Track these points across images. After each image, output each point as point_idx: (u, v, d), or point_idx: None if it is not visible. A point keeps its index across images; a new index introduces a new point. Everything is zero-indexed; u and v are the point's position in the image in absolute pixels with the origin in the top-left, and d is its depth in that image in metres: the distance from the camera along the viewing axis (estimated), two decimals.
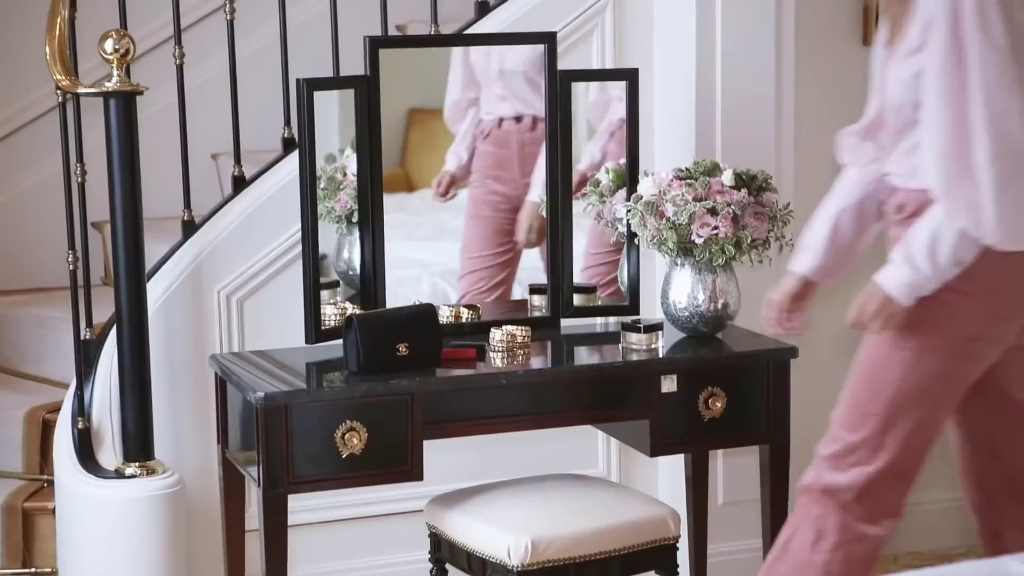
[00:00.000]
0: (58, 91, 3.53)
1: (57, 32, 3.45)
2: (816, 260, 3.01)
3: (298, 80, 3.33)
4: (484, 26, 3.84)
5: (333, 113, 3.41)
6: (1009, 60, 2.60)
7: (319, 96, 3.33)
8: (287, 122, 3.75)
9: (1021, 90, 2.61)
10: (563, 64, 3.58)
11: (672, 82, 3.81)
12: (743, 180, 3.40)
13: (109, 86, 3.37)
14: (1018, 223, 2.62)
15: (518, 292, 3.61)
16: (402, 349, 3.19)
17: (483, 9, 3.88)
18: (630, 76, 3.55)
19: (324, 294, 3.41)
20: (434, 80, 3.56)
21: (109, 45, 3.38)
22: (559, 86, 3.50)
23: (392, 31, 4.04)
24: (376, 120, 3.39)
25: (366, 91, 3.39)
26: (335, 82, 3.47)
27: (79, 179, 3.54)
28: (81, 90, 3.44)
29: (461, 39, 3.73)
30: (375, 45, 3.41)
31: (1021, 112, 2.61)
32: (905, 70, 2.72)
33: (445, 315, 3.49)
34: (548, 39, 3.51)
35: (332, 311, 3.42)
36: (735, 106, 3.73)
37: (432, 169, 3.58)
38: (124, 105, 3.38)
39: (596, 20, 3.84)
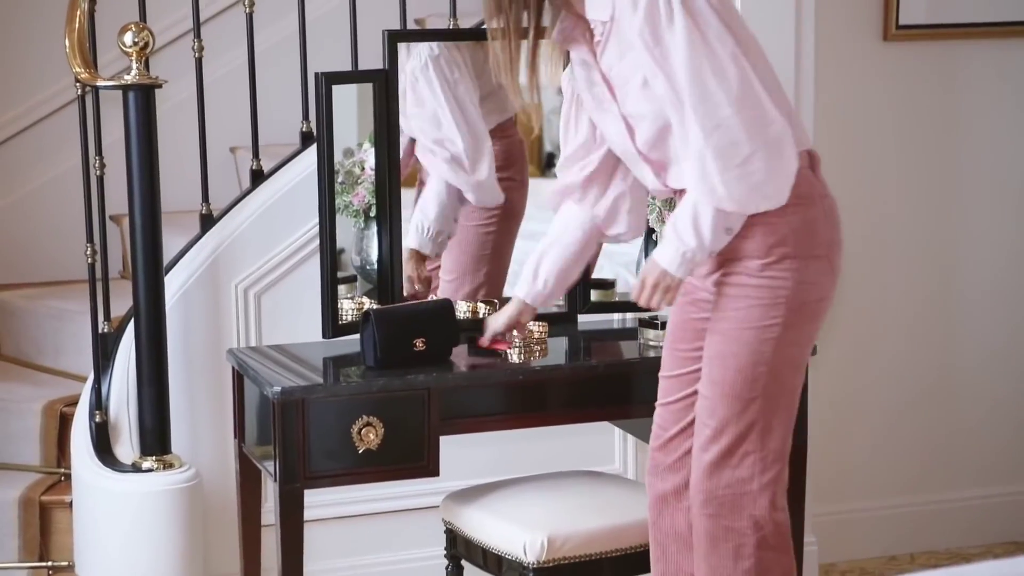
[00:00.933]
0: (77, 84, 3.53)
1: (76, 25, 3.45)
2: (541, 289, 3.14)
3: (316, 74, 3.32)
4: None
5: (351, 107, 3.40)
6: (704, 45, 2.70)
7: (337, 90, 3.33)
8: (305, 116, 3.74)
9: (723, 74, 2.69)
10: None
11: None
12: None
13: (128, 79, 3.37)
14: (749, 194, 2.71)
15: None
16: (419, 344, 3.19)
17: None
18: None
19: (341, 288, 3.41)
20: None
21: (128, 38, 3.38)
22: None
23: (411, 25, 4.04)
24: (394, 114, 3.39)
25: (384, 85, 3.38)
26: (353, 76, 3.46)
27: (97, 172, 3.55)
28: (100, 83, 3.44)
29: (479, 33, 3.71)
30: (394, 39, 3.40)
31: (727, 91, 2.69)
32: (641, 102, 2.82)
33: (462, 310, 3.48)
34: None
35: (349, 306, 3.41)
36: None
37: None
38: (143, 98, 3.38)
39: None
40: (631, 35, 2.75)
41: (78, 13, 3.46)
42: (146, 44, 3.39)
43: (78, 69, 3.45)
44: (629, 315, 3.62)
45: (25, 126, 4.44)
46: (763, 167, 2.69)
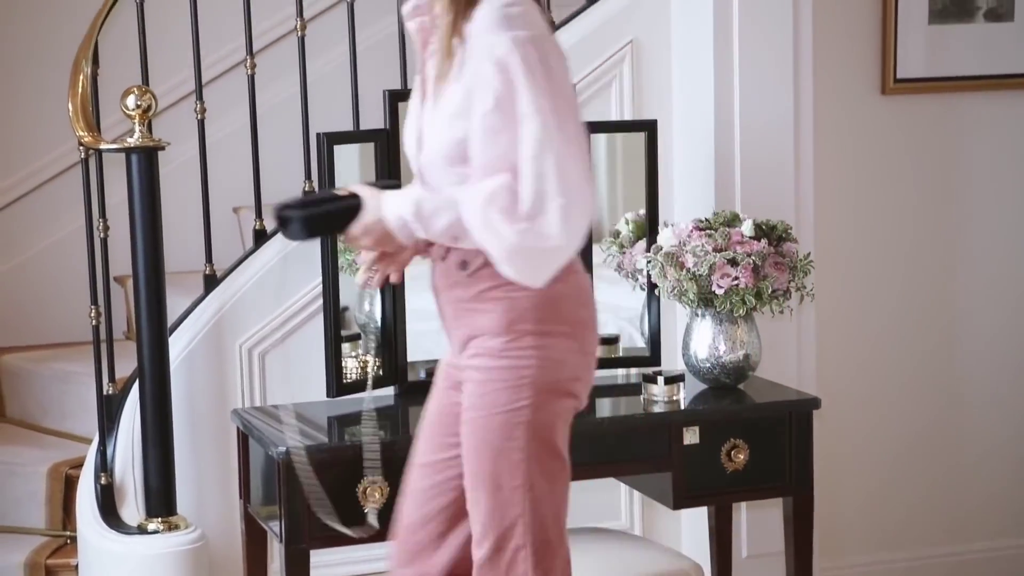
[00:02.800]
0: (81, 147, 3.55)
1: (80, 89, 3.48)
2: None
3: (318, 135, 3.35)
4: None
5: (353, 165, 3.42)
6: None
7: (339, 149, 3.35)
8: (308, 176, 3.76)
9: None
10: (584, 116, 3.58)
11: (691, 133, 3.82)
12: (763, 230, 3.40)
13: (131, 142, 3.39)
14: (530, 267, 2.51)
15: None
16: None
17: None
18: (649, 127, 3.56)
19: (345, 347, 3.42)
20: None
21: (131, 101, 3.40)
22: None
23: (411, 83, 4.05)
24: (396, 173, 3.41)
25: (386, 144, 3.40)
26: (355, 136, 3.49)
27: (101, 235, 3.56)
28: (103, 146, 3.46)
29: None
30: (395, 98, 3.43)
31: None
32: (448, 132, 2.56)
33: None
34: None
35: (353, 364, 3.42)
36: (754, 156, 3.74)
37: None
38: (146, 160, 3.40)
39: (614, 72, 3.86)
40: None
41: (81, 77, 3.48)
42: (149, 107, 3.41)
43: (81, 133, 3.47)
44: (633, 370, 3.62)
45: (29, 189, 4.47)
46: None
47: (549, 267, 2.51)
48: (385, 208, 2.58)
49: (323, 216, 2.62)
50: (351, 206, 2.60)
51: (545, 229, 2.44)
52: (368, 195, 2.60)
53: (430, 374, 3.44)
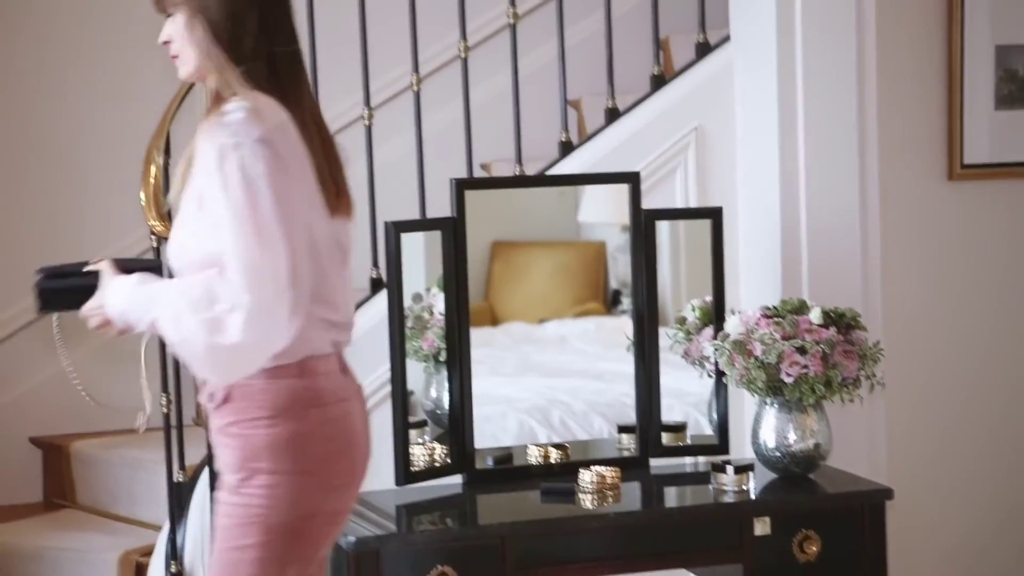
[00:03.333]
0: (152, 236, 3.60)
1: (152, 179, 3.53)
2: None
3: (386, 223, 3.37)
4: (567, 166, 3.89)
5: (419, 252, 3.43)
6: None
7: (406, 236, 3.37)
8: (375, 263, 3.79)
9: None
10: (647, 202, 3.61)
11: (756, 219, 3.83)
12: (831, 318, 3.38)
13: None
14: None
15: (606, 430, 3.60)
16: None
17: (566, 148, 3.93)
18: (715, 214, 3.57)
19: (412, 433, 3.42)
20: (517, 212, 3.60)
21: None
22: (643, 225, 3.52)
23: (477, 170, 4.10)
24: (463, 261, 3.42)
25: (453, 232, 3.42)
26: (422, 224, 3.51)
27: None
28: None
29: (545, 180, 3.77)
30: (461, 187, 3.45)
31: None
32: (176, 238, 2.58)
33: (534, 455, 3.49)
34: (632, 179, 3.54)
35: (421, 452, 3.42)
36: (821, 243, 3.73)
37: (516, 302, 3.60)
38: None
39: (679, 159, 3.88)
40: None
41: (153, 168, 3.54)
42: None
43: (154, 222, 3.53)
44: (702, 459, 3.60)
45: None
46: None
47: (231, 366, 2.45)
48: (108, 295, 2.58)
49: (60, 291, 2.62)
50: (89, 285, 2.60)
51: (225, 326, 2.40)
52: (105, 278, 2.61)
53: (497, 461, 3.47)
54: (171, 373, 3.60)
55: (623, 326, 3.58)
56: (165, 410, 3.60)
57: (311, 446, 2.54)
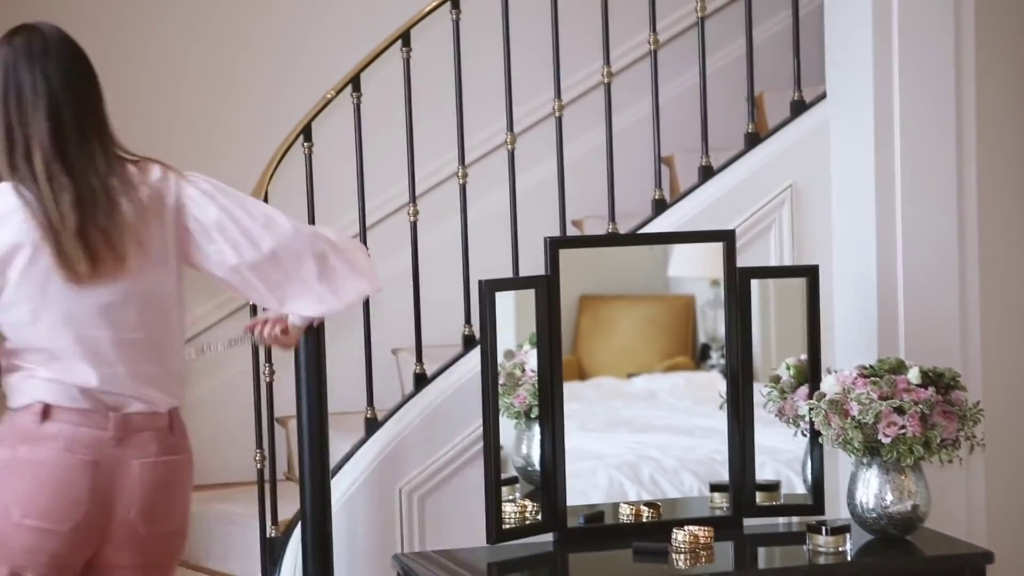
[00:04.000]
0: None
1: None
2: None
3: (480, 282, 3.38)
4: (661, 223, 3.88)
5: (509, 309, 3.44)
6: None
7: (499, 294, 3.38)
8: (467, 320, 3.80)
9: None
10: (740, 260, 3.59)
11: (852, 276, 3.79)
12: (930, 378, 3.34)
13: None
14: None
15: (696, 487, 3.57)
16: None
17: (660, 206, 3.92)
18: (811, 273, 3.54)
19: (503, 490, 3.41)
20: (605, 266, 3.59)
21: None
22: (738, 283, 3.50)
23: (568, 226, 4.10)
24: (556, 319, 3.42)
25: (546, 290, 3.42)
26: (516, 282, 3.51)
27: (267, 379, 3.62)
28: None
29: (640, 239, 3.77)
30: (556, 246, 3.45)
31: None
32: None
33: (625, 513, 3.46)
34: (727, 237, 3.53)
35: (512, 509, 3.41)
36: (918, 301, 3.69)
37: (604, 355, 3.58)
38: None
39: (774, 216, 3.86)
40: None
41: None
42: None
43: None
44: (795, 519, 3.56)
45: (200, 331, 4.55)
46: None
47: None
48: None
49: None
50: None
51: None
52: None
53: (589, 519, 3.45)
54: (265, 428, 3.62)
55: (713, 381, 3.56)
56: (259, 465, 3.62)
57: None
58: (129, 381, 2.74)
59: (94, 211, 2.68)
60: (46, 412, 2.70)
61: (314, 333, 3.46)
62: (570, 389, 3.50)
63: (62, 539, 2.69)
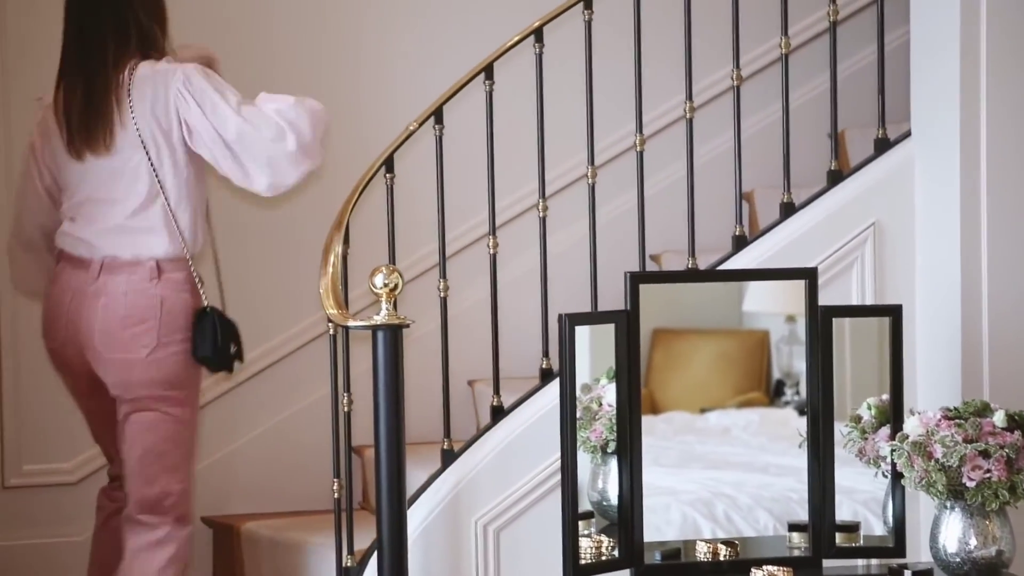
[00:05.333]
0: (329, 323, 3.65)
1: (331, 268, 3.58)
2: None
3: (560, 315, 3.37)
4: (740, 260, 3.87)
5: (585, 342, 3.43)
6: None
7: (577, 328, 3.37)
8: (545, 353, 3.80)
9: None
10: (821, 298, 3.56)
11: (935, 317, 3.75)
12: (1016, 421, 3.29)
13: (377, 319, 3.45)
14: None
15: (771, 525, 3.53)
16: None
17: (740, 243, 3.90)
18: (894, 312, 3.50)
19: (579, 525, 3.40)
20: (680, 300, 3.57)
21: (379, 280, 3.48)
22: (820, 322, 3.47)
23: (646, 260, 4.09)
24: (635, 354, 3.41)
25: (626, 325, 3.41)
26: (596, 317, 3.51)
27: (345, 408, 3.64)
28: (351, 323, 3.55)
29: (721, 275, 3.75)
30: (636, 281, 3.44)
31: None
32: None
33: (702, 551, 3.44)
34: (809, 275, 3.50)
35: (587, 544, 3.39)
36: (1003, 342, 3.65)
37: (677, 390, 3.56)
38: (391, 338, 3.47)
39: (856, 254, 3.83)
40: None
41: (332, 257, 3.59)
42: (395, 286, 3.48)
43: (332, 310, 3.56)
44: (875, 561, 3.51)
45: (275, 360, 4.56)
46: None
47: None
48: None
49: None
50: None
51: None
52: None
53: (665, 556, 3.43)
54: (343, 457, 3.63)
55: (787, 418, 3.53)
56: (336, 495, 3.63)
57: None
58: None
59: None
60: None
61: (392, 363, 3.47)
62: (644, 423, 3.48)
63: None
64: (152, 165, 3.48)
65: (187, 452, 3.55)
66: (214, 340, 3.50)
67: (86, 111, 3.48)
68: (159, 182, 3.48)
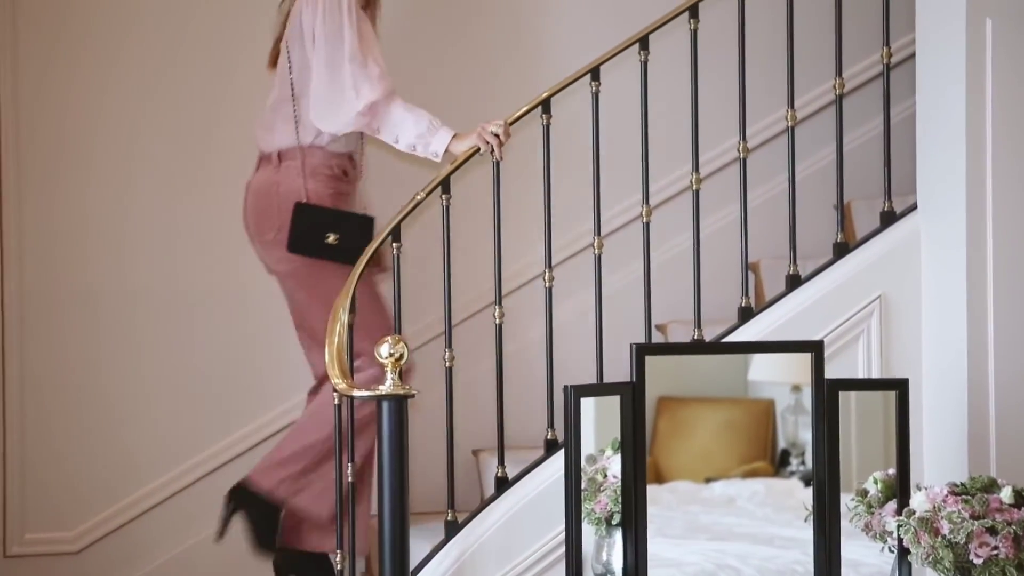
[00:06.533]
0: (335, 393, 3.63)
1: (336, 338, 3.58)
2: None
3: (566, 387, 3.37)
4: (747, 331, 3.86)
5: (590, 413, 3.42)
6: None
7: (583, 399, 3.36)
8: (551, 424, 3.79)
9: None
10: (829, 370, 3.55)
11: (942, 391, 3.74)
12: (1023, 498, 3.27)
13: (383, 389, 3.45)
14: None
15: None
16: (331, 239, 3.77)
17: (746, 314, 3.90)
18: (900, 386, 3.49)
19: None
20: (685, 369, 3.57)
21: (385, 349, 3.47)
22: (826, 394, 3.46)
23: (652, 330, 4.08)
24: (641, 426, 3.40)
25: (631, 398, 3.41)
26: (601, 388, 3.50)
27: (350, 478, 3.62)
28: (356, 393, 3.54)
29: (727, 348, 3.74)
30: (641, 352, 3.44)
31: None
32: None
33: None
34: (815, 348, 3.49)
35: None
36: (1010, 418, 3.64)
37: (681, 458, 3.55)
38: (396, 408, 3.45)
39: (862, 327, 3.83)
40: None
41: (338, 326, 3.59)
42: (401, 355, 3.48)
43: (337, 379, 3.56)
44: None
45: (278, 429, 4.52)
46: None
47: None
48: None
49: None
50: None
51: None
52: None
53: None
54: (346, 529, 3.61)
55: (793, 488, 3.51)
56: (339, 566, 3.60)
57: None
58: None
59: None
60: None
61: (397, 434, 3.46)
62: (648, 493, 3.47)
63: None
64: None
65: None
66: None
67: None
68: None
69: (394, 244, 3.74)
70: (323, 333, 3.62)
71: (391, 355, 3.48)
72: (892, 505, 3.44)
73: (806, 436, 3.51)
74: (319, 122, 3.84)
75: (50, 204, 4.38)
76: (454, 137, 3.76)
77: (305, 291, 3.88)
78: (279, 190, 3.85)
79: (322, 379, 3.93)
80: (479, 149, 3.77)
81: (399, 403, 3.46)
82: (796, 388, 3.53)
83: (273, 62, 4.00)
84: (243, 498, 3.84)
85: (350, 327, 3.62)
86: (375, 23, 3.97)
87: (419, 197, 3.75)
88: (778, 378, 3.62)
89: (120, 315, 4.42)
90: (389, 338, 3.49)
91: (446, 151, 3.77)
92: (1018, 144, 3.73)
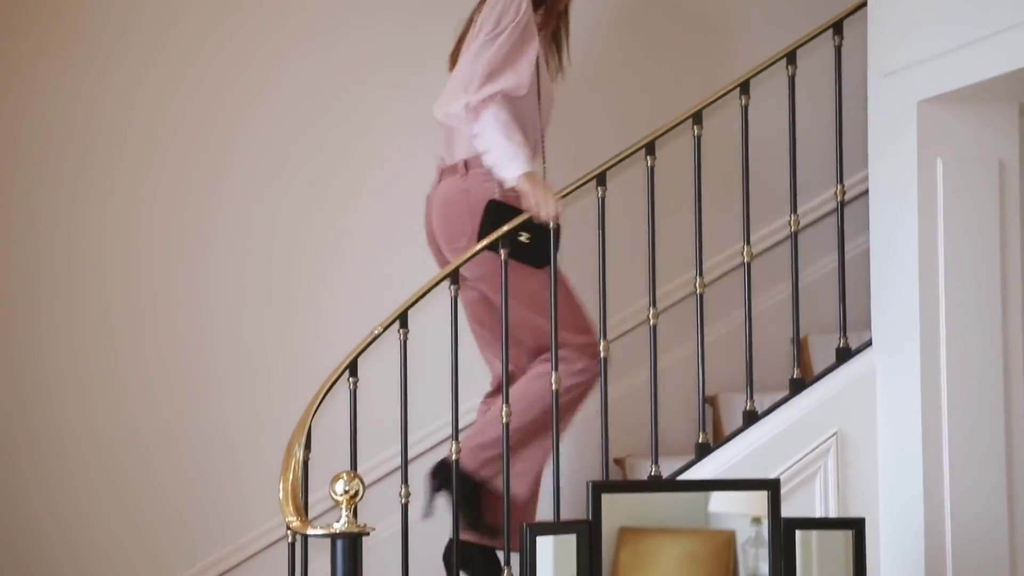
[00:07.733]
0: (288, 530, 3.60)
1: (291, 474, 3.55)
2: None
3: (522, 525, 3.34)
4: (705, 467, 3.85)
5: (550, 550, 3.38)
6: None
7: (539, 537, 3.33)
8: (506, 562, 3.75)
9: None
10: (784, 508, 3.53)
11: (899, 528, 3.74)
12: None
13: (337, 527, 3.40)
14: None
15: None
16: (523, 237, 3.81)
17: (703, 450, 3.89)
18: (856, 526, 3.48)
19: None
20: (646, 500, 3.54)
21: (339, 487, 3.43)
22: (783, 534, 3.45)
23: (611, 464, 4.07)
24: (597, 563, 3.37)
25: (587, 536, 3.38)
26: (557, 527, 3.47)
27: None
28: (310, 531, 3.50)
29: (684, 485, 3.72)
30: (598, 490, 3.42)
31: None
32: None
33: None
34: (771, 486, 3.48)
35: None
36: (967, 557, 3.63)
37: None
38: (350, 546, 3.41)
39: (819, 463, 3.83)
40: None
41: (293, 462, 3.56)
42: (356, 492, 3.44)
43: (291, 517, 3.52)
44: None
45: (234, 564, 4.46)
46: None
47: None
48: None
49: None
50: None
51: None
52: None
53: None
54: None
55: None
56: None
57: None
58: None
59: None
60: None
61: (351, 573, 3.41)
62: None
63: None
64: None
65: None
66: None
67: None
68: None
69: (351, 379, 3.73)
70: (520, 330, 3.88)
71: (346, 492, 3.44)
72: None
73: (766, 569, 3.48)
74: (438, 102, 3.96)
75: None
76: (524, 175, 3.84)
77: (502, 291, 3.80)
78: (469, 196, 3.93)
79: (500, 380, 3.98)
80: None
81: (353, 541, 3.41)
82: (756, 520, 3.51)
83: (452, 65, 4.10)
84: (447, 477, 3.85)
85: (305, 463, 3.59)
86: (561, 25, 4.14)
87: (376, 332, 3.73)
88: (738, 510, 3.60)
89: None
90: (344, 474, 3.45)
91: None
92: (970, 280, 3.76)
